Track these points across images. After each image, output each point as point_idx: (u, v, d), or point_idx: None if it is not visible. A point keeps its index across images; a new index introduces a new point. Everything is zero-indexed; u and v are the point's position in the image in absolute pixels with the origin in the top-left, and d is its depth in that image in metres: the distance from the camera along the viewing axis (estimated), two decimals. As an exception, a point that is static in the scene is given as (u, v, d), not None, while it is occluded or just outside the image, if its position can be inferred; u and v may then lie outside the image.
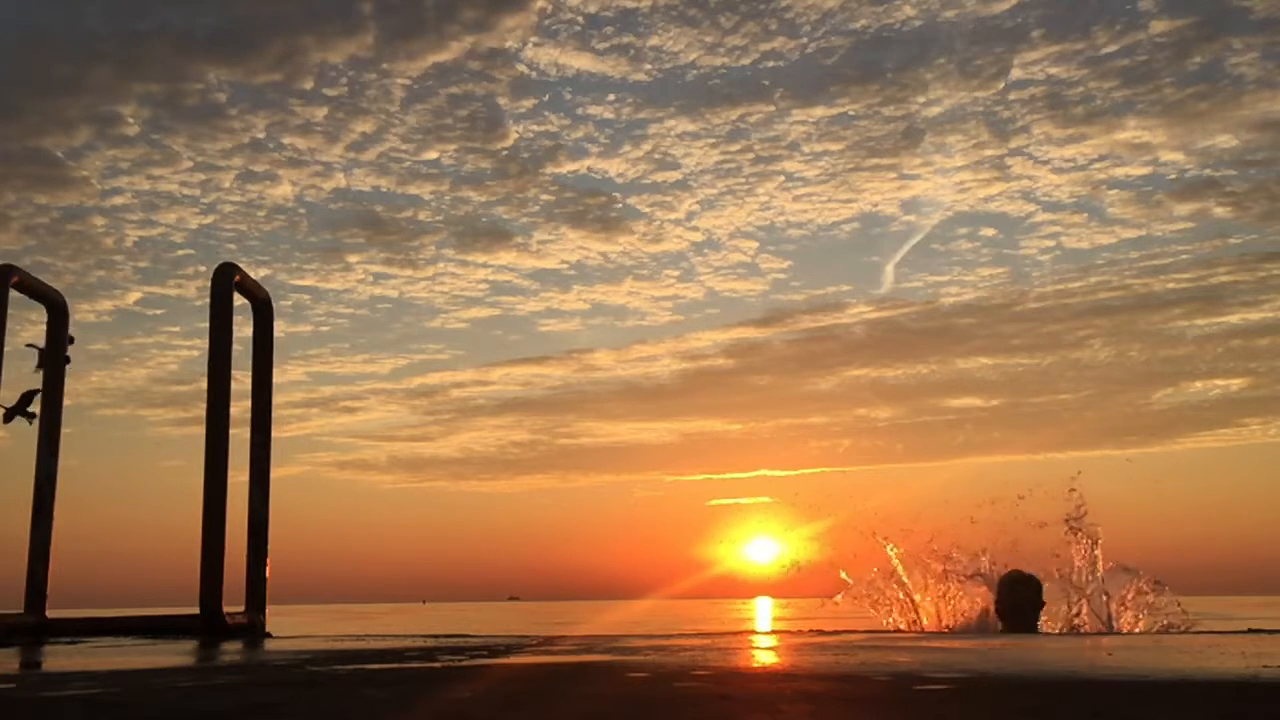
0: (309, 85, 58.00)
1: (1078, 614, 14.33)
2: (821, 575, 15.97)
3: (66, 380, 17.05)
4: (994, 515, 14.73)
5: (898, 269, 69.76)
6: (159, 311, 66.03)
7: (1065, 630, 14.03)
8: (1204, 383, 64.09)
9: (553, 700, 4.97)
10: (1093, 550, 14.51)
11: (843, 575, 15.80)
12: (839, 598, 15.92)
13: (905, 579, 15.45)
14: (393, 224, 65.61)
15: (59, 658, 9.84)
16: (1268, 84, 54.24)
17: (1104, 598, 14.37)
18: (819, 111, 62.19)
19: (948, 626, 14.82)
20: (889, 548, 15.50)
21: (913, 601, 15.43)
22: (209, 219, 62.08)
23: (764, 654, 8.81)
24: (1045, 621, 14.31)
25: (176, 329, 65.87)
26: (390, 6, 57.27)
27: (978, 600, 14.83)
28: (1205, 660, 7.28)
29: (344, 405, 74.46)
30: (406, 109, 62.18)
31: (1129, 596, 14.38)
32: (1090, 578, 14.53)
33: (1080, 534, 14.58)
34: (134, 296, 63.01)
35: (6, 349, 15.44)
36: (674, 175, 68.87)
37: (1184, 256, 63.16)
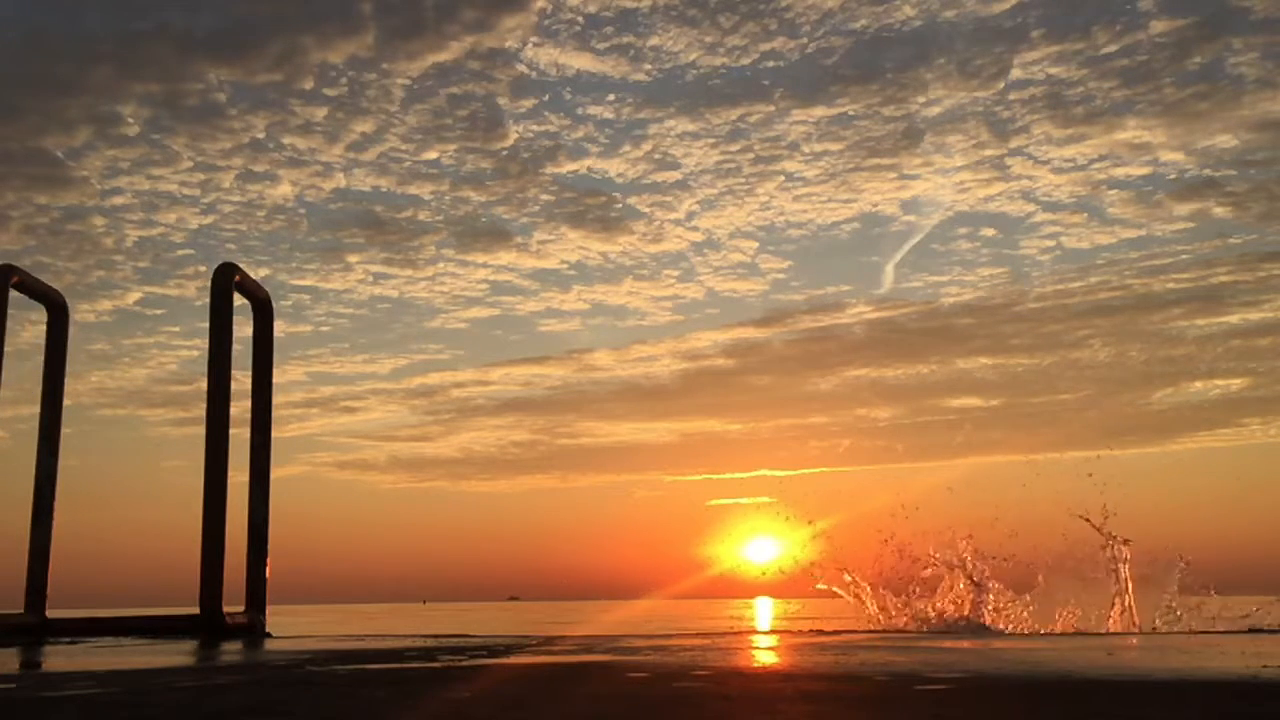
0: (309, 85, 57.90)
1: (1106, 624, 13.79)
2: (820, 575, 15.98)
3: (66, 380, 17.07)
4: (986, 502, 14.51)
5: (898, 269, 69.75)
6: (159, 311, 65.95)
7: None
8: (1204, 383, 64.14)
9: (553, 700, 4.97)
10: (1120, 555, 13.90)
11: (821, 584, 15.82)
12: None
13: (865, 595, 15.36)
14: (393, 224, 65.60)
15: (59, 658, 9.84)
16: (1268, 84, 54.17)
17: (1134, 621, 13.86)
18: (819, 111, 62.14)
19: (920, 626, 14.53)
20: (845, 576, 15.48)
21: (859, 600, 15.41)
22: (209, 219, 61.99)
23: (764, 654, 8.81)
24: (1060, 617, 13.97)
25: (176, 329, 65.81)
26: (390, 6, 57.22)
27: (965, 597, 14.52)
28: (1205, 660, 7.28)
29: (344, 405, 74.45)
30: (406, 109, 62.12)
31: (1170, 596, 13.66)
32: (1117, 586, 13.92)
33: (1107, 537, 14.04)
34: (134, 296, 62.95)
35: (7, 349, 15.46)
36: (674, 175, 68.89)
37: (1184, 256, 63.13)
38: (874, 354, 67.65)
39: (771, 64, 61.79)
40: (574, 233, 64.84)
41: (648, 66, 59.53)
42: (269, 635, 14.98)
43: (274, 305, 17.19)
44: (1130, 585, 14.04)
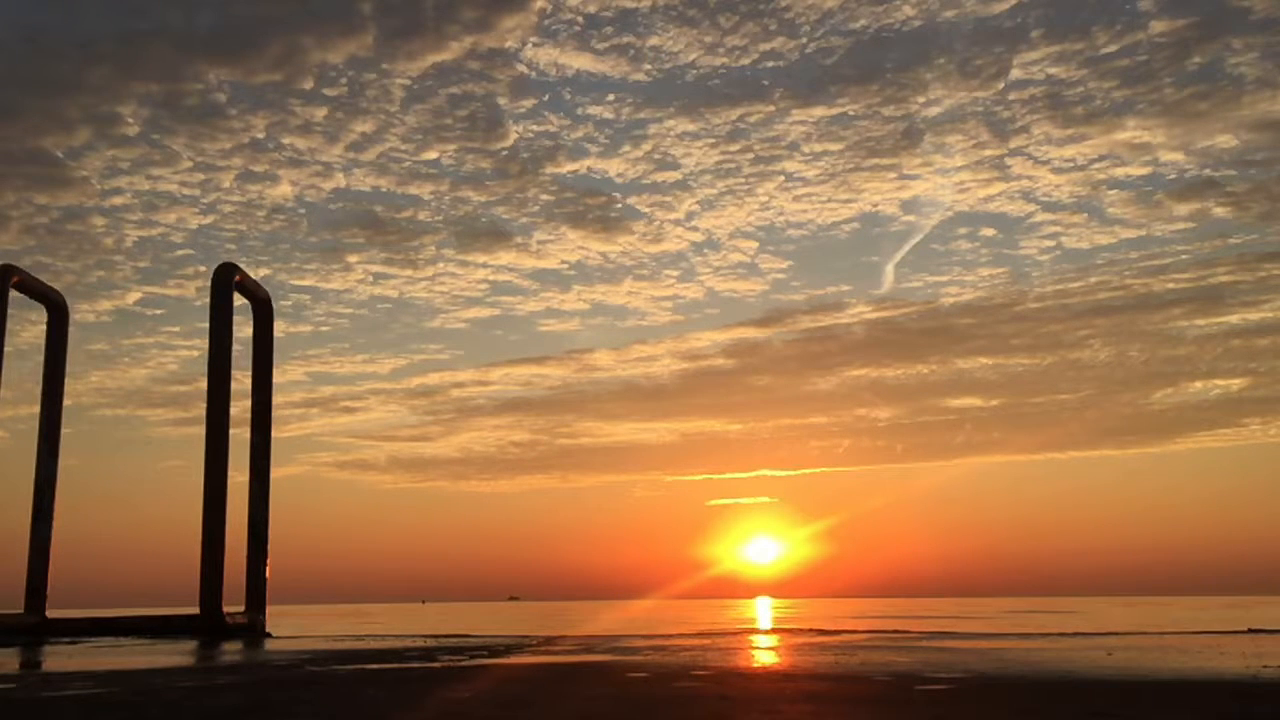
0: (309, 85, 57.96)
1: None
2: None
3: (66, 380, 17.08)
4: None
5: (898, 269, 69.91)
6: (159, 311, 66.03)
7: None
8: (1204, 383, 64.30)
9: (553, 700, 4.97)
10: None
11: None
12: None
13: None
14: (393, 224, 65.67)
15: (59, 658, 9.84)
16: (1268, 84, 54.24)
17: None
18: (819, 111, 62.29)
19: None
20: None
21: None
22: (209, 219, 62.07)
23: (764, 654, 8.82)
24: None
25: (176, 329, 65.88)
26: (390, 6, 57.25)
27: None
28: (1205, 660, 7.29)
29: (344, 405, 74.52)
30: (406, 109, 62.22)
31: None
32: None
33: None
34: (134, 296, 62.97)
35: (7, 349, 15.47)
36: (674, 175, 69.21)
37: (1184, 256, 63.27)
38: (874, 354, 67.82)
39: (771, 64, 61.98)
40: (574, 233, 65.00)
41: (648, 66, 59.71)
42: (269, 635, 14.98)
43: (274, 305, 17.20)
44: None
